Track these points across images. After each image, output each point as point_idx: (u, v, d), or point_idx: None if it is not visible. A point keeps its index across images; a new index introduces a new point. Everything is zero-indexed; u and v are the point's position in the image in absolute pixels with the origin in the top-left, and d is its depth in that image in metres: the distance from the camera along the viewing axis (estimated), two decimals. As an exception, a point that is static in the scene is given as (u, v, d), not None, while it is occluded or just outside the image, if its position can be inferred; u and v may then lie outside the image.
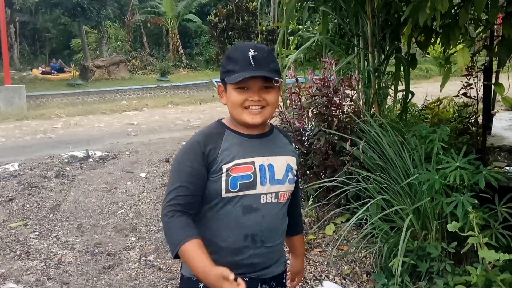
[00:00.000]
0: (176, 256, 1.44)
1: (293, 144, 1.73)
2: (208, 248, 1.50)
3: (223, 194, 1.50)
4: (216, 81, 21.30)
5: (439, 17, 3.54)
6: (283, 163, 1.59)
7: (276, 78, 1.50)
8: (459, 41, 4.77)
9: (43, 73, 23.10)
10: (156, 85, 20.50)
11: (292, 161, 1.63)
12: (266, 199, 1.55)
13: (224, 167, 1.50)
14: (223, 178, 1.50)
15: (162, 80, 22.50)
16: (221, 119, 1.64)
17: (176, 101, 15.41)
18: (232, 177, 1.50)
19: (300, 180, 1.84)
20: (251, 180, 1.51)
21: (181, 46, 27.65)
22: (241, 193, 1.51)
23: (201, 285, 1.54)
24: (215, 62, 21.62)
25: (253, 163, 1.53)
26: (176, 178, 1.52)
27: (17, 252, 3.80)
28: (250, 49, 1.50)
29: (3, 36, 14.74)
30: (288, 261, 1.86)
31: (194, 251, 1.40)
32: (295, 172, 1.64)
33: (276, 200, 1.57)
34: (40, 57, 30.03)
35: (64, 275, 3.42)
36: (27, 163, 6.12)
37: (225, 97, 1.58)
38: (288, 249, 1.92)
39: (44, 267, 3.55)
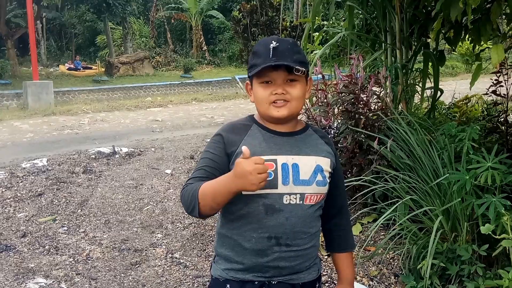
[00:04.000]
0: (201, 215, 1.42)
1: (331, 145, 1.62)
2: (233, 249, 1.52)
3: (243, 191, 1.42)
4: (239, 78, 21.35)
5: (470, 12, 3.46)
6: (311, 164, 1.51)
7: (297, 67, 1.43)
8: (490, 37, 4.66)
9: (69, 69, 23.55)
10: (180, 82, 20.66)
11: (324, 162, 1.55)
12: (290, 199, 1.47)
13: None
14: None
15: (186, 76, 22.67)
16: (253, 114, 1.61)
17: (200, 97, 15.50)
18: None
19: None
20: (271, 178, 1.43)
21: (204, 43, 27.81)
22: (261, 192, 1.43)
23: (228, 286, 1.53)
24: (238, 59, 21.65)
25: (275, 161, 1.47)
26: (198, 164, 1.53)
27: (46, 247, 3.86)
28: (272, 41, 1.46)
29: (31, 32, 15.03)
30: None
31: (211, 182, 1.40)
32: (327, 174, 1.55)
33: (301, 202, 1.49)
34: (66, 53, 30.55)
35: (92, 270, 3.47)
36: (55, 159, 6.22)
37: (252, 94, 1.55)
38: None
39: (73, 262, 3.61)
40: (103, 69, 23.18)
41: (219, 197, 1.38)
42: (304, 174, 1.49)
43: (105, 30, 26.33)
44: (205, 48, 27.89)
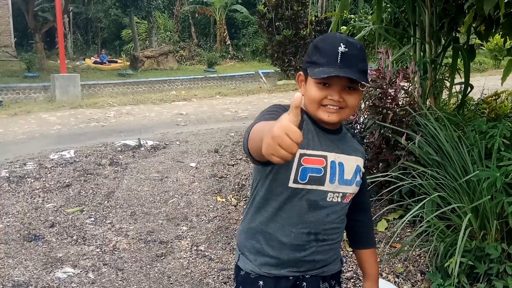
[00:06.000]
0: (252, 155, 1.20)
1: (363, 145, 1.62)
2: (269, 243, 1.49)
3: (290, 183, 1.41)
4: (262, 73, 21.32)
5: (503, 6, 3.38)
6: (352, 164, 1.51)
7: (363, 82, 1.37)
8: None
9: (95, 62, 23.87)
10: (204, 76, 20.75)
11: (361, 163, 1.55)
12: (333, 197, 1.47)
13: (299, 152, 1.37)
14: (294, 166, 1.39)
15: (210, 71, 22.75)
16: None
17: (224, 92, 15.51)
18: (303, 168, 1.39)
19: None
20: (321, 175, 1.42)
21: (228, 37, 27.84)
22: (308, 187, 1.42)
23: (261, 283, 1.50)
24: (262, 53, 21.60)
25: (325, 157, 1.44)
26: (264, 115, 1.35)
27: (74, 237, 3.93)
28: (341, 44, 1.35)
29: (59, 25, 15.27)
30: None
31: (265, 123, 1.17)
32: (361, 174, 1.56)
33: (341, 200, 1.50)
34: (92, 47, 30.95)
35: (119, 261, 3.52)
36: (82, 151, 6.32)
37: (303, 87, 1.46)
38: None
39: (100, 252, 3.66)
40: (128, 63, 23.42)
41: (266, 133, 1.07)
42: (348, 174, 1.49)
43: (130, 24, 26.57)
44: (228, 42, 27.91)
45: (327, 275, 1.57)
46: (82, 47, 31.02)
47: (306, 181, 1.41)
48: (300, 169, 1.40)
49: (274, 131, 0.99)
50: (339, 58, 1.34)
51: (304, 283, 1.52)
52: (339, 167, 1.47)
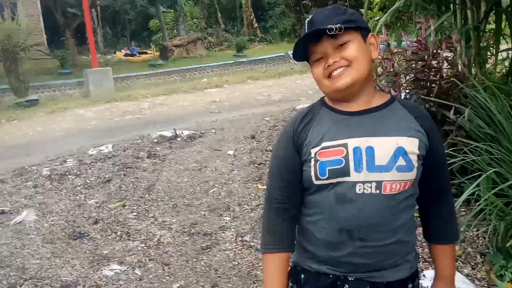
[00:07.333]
0: None
1: (425, 121, 1.36)
2: (306, 239, 1.42)
3: (314, 181, 1.33)
4: (292, 54, 21.01)
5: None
6: (389, 146, 1.29)
7: (331, 26, 1.25)
8: None
9: (126, 55, 24.08)
10: (234, 61, 20.61)
11: (408, 143, 1.30)
12: (364, 189, 1.29)
13: (313, 151, 1.32)
14: (312, 163, 1.32)
15: (239, 55, 22.58)
16: (324, 96, 1.43)
17: (255, 76, 15.36)
18: (320, 163, 1.30)
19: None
20: (342, 166, 1.28)
21: (255, 20, 27.56)
22: (333, 181, 1.30)
23: (302, 276, 1.43)
24: (291, 33, 21.29)
25: (345, 145, 1.29)
26: (273, 166, 1.44)
27: (118, 233, 3.92)
28: (309, 15, 1.33)
29: (88, 20, 15.39)
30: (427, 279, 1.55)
31: (275, 268, 1.42)
32: (413, 158, 1.30)
33: (377, 191, 1.29)
34: (122, 40, 31.25)
35: (164, 256, 3.48)
36: (120, 144, 6.34)
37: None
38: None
39: (145, 247, 3.64)
40: (158, 53, 23.52)
41: (264, 277, 1.47)
42: (381, 158, 1.29)
43: (157, 14, 26.61)
44: (256, 25, 27.65)
45: (380, 282, 1.36)
46: (112, 41, 31.36)
47: (326, 176, 1.31)
48: (317, 165, 1.31)
49: None
50: (306, 27, 1.32)
51: (346, 285, 1.36)
52: (367, 152, 1.29)
